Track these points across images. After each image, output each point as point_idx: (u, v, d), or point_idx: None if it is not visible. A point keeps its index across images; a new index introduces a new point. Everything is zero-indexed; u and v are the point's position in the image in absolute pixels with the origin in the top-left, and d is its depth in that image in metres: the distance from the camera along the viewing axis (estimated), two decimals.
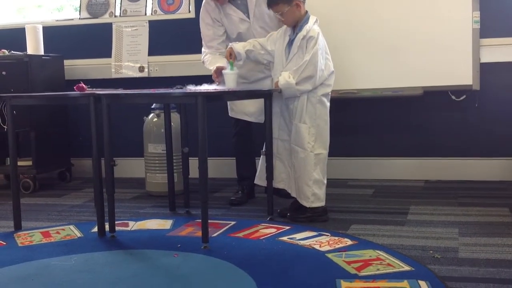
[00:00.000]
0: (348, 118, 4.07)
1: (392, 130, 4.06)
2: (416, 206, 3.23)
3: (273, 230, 2.81)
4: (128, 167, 4.31)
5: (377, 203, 3.36)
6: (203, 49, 3.41)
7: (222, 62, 3.15)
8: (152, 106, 3.81)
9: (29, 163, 4.06)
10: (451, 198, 3.41)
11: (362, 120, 4.11)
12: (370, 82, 3.85)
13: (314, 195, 2.96)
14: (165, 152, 3.39)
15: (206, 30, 3.36)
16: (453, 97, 3.89)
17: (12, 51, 4.19)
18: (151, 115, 3.81)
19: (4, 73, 4.00)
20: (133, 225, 3.00)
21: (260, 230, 2.81)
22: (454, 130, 3.95)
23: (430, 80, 3.76)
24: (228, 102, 3.48)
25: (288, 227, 2.85)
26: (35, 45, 4.23)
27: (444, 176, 3.94)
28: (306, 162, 2.96)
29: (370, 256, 2.36)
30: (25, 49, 4.23)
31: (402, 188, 3.75)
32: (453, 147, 3.96)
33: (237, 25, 3.30)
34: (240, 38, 3.29)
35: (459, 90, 3.83)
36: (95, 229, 2.83)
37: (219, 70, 3.11)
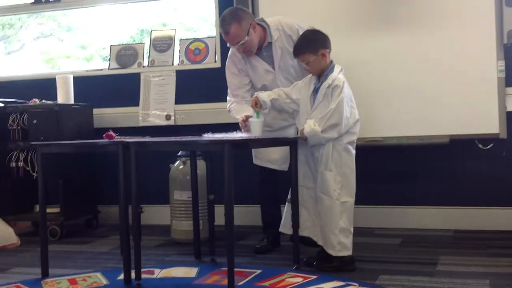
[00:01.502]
0: (374, 166, 4.05)
1: (419, 178, 4.02)
2: (445, 257, 3.17)
3: (299, 280, 2.77)
4: (154, 214, 4.32)
5: (405, 253, 3.30)
6: (228, 98, 3.46)
7: (249, 111, 3.19)
8: (178, 154, 3.85)
9: (57, 210, 4.10)
10: (481, 249, 3.34)
11: (388, 168, 4.09)
12: (396, 130, 3.84)
13: (340, 244, 2.92)
14: (190, 199, 3.40)
15: (232, 79, 3.43)
16: (480, 145, 3.86)
17: (43, 100, 4.29)
18: (177, 162, 3.85)
19: (35, 121, 4.10)
20: (159, 273, 2.99)
21: (287, 279, 2.78)
22: (482, 179, 3.90)
23: (456, 129, 3.74)
24: (253, 150, 3.50)
25: (315, 277, 2.81)
26: (65, 95, 4.33)
27: (473, 225, 3.86)
28: (332, 210, 2.94)
29: None
30: (55, 98, 4.34)
31: (430, 238, 3.69)
32: (481, 196, 3.89)
33: (262, 76, 3.36)
34: (265, 89, 3.33)
35: (486, 139, 3.80)
36: (121, 277, 2.82)
37: (247, 119, 3.14)
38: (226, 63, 3.45)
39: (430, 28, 3.79)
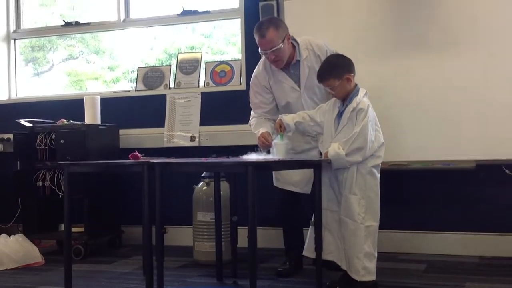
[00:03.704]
0: (398, 190, 4.01)
1: (444, 203, 3.97)
2: (471, 283, 3.11)
3: None
4: (176, 235, 4.33)
5: (430, 279, 3.25)
6: (251, 112, 3.49)
7: (266, 126, 3.24)
8: (202, 175, 3.87)
9: (81, 229, 4.13)
10: (507, 276, 3.27)
11: (413, 193, 4.05)
12: (421, 154, 3.81)
13: (364, 268, 2.89)
14: (213, 220, 3.40)
15: (254, 97, 3.45)
16: (507, 171, 3.80)
17: (71, 121, 4.36)
18: (201, 183, 3.86)
19: (62, 141, 4.15)
20: None
21: None
22: (508, 205, 3.83)
23: (483, 154, 3.69)
24: (274, 172, 3.49)
25: None
26: (92, 115, 4.40)
27: (499, 252, 3.79)
28: (356, 234, 2.91)
29: None
30: (83, 118, 4.40)
31: (456, 264, 3.62)
32: (507, 223, 3.82)
33: (287, 93, 3.37)
34: (288, 106, 3.35)
35: None
36: None
37: (264, 137, 3.18)
38: (251, 81, 3.46)
39: (458, 52, 3.77)
